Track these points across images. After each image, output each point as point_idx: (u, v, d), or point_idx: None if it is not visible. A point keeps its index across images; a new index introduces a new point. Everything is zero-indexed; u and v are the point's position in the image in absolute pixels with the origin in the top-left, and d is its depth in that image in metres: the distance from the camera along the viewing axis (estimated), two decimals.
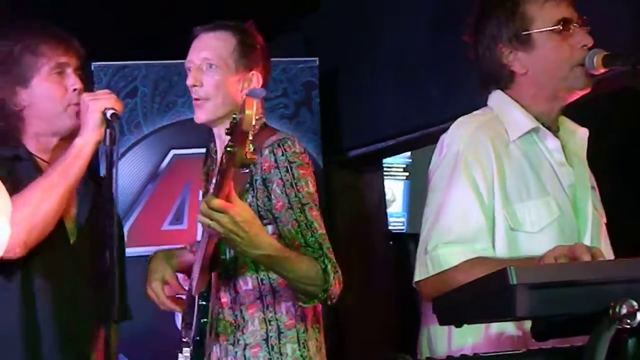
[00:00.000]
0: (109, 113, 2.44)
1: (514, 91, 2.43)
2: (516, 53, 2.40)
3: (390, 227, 5.70)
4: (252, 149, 2.15)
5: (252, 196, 2.58)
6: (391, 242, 5.37)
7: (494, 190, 2.30)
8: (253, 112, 2.12)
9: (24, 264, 2.47)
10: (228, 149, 2.16)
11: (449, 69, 4.10)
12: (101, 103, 2.47)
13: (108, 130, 2.41)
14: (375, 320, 5.06)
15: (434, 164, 2.44)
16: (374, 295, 5.10)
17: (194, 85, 2.64)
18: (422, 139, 4.67)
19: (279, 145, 2.58)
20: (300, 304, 2.53)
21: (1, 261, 2.39)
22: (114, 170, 2.29)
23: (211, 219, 2.30)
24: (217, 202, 2.29)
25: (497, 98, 2.46)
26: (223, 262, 2.60)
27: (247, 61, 2.67)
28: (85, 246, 2.62)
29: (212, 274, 2.59)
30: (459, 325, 1.84)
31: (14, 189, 2.42)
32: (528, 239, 2.29)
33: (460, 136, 2.38)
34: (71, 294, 2.58)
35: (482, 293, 1.68)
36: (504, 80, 2.44)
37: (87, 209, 2.68)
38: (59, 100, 2.59)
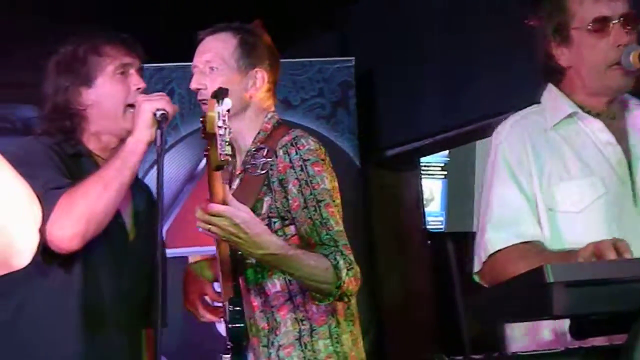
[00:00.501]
0: (159, 114, 2.50)
1: (564, 84, 2.45)
2: (560, 47, 2.38)
3: (428, 227, 5.67)
4: (226, 150, 2.19)
5: (271, 198, 2.57)
6: (429, 242, 5.34)
7: (532, 176, 2.34)
8: (214, 114, 2.18)
9: (84, 257, 2.52)
10: (205, 152, 2.19)
11: (486, 68, 4.08)
12: (153, 104, 2.53)
13: (158, 131, 2.47)
14: (414, 320, 5.04)
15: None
16: (413, 295, 5.08)
17: (198, 89, 2.64)
18: (459, 138, 4.65)
19: (292, 145, 2.58)
20: (315, 302, 2.53)
21: (61, 254, 2.46)
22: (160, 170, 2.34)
23: (210, 224, 2.31)
24: (213, 207, 2.31)
25: (546, 92, 2.48)
26: (249, 266, 2.60)
27: (250, 60, 2.66)
28: (143, 244, 2.68)
29: (240, 279, 2.60)
30: (496, 325, 1.84)
31: (72, 181, 2.50)
32: (569, 219, 2.32)
33: (499, 133, 2.46)
34: (129, 289, 2.64)
35: (519, 292, 1.68)
36: (555, 73, 2.44)
37: (144, 207, 2.74)
38: (121, 99, 2.65)
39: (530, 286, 1.62)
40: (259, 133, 2.67)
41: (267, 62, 2.70)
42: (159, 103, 2.52)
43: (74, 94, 2.64)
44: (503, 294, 1.76)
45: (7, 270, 1.45)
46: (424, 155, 5.51)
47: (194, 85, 2.66)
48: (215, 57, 2.64)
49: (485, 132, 4.68)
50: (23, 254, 1.43)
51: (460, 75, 4.36)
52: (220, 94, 2.28)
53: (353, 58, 4.78)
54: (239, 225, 2.33)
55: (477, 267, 2.40)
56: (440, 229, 6.42)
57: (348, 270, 2.46)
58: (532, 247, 2.30)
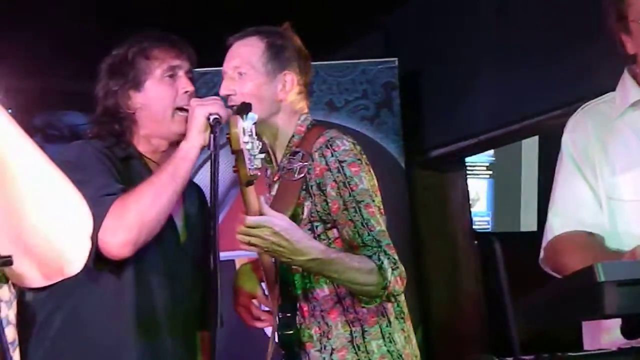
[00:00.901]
0: (212, 118, 2.48)
1: (636, 71, 2.41)
2: (624, 35, 2.36)
3: (474, 227, 5.64)
4: (255, 165, 2.22)
5: (311, 202, 2.55)
6: (476, 242, 5.31)
7: (595, 166, 2.34)
8: (238, 130, 2.17)
9: (136, 262, 2.52)
10: (234, 169, 2.19)
11: (531, 67, 4.05)
12: (207, 108, 2.51)
13: (211, 135, 2.44)
14: (461, 320, 5.02)
15: None
16: (461, 295, 5.06)
17: (228, 95, 2.62)
18: (505, 137, 4.62)
19: (327, 147, 2.55)
20: (363, 305, 2.51)
21: (113, 260, 2.47)
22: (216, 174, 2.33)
23: (250, 236, 2.31)
24: (251, 219, 2.31)
25: (621, 78, 2.45)
26: (295, 271, 2.60)
27: (278, 63, 2.64)
28: (194, 247, 2.68)
29: (287, 285, 2.60)
30: (546, 326, 1.82)
31: (126, 187, 2.51)
32: (630, 208, 2.30)
33: (567, 124, 2.47)
34: (181, 293, 2.64)
35: (569, 291, 1.66)
36: (628, 60, 2.40)
37: (195, 211, 2.74)
38: (169, 102, 2.64)
39: (580, 286, 1.60)
40: (293, 136, 2.65)
41: (297, 65, 2.67)
42: (212, 107, 2.51)
43: (123, 97, 2.65)
44: (553, 294, 1.74)
45: (60, 278, 1.46)
46: (469, 155, 5.48)
47: (223, 91, 2.64)
48: (243, 63, 2.63)
49: (531, 130, 4.68)
50: (75, 262, 1.44)
51: (504, 75, 4.33)
52: (243, 109, 2.29)
53: (396, 59, 4.76)
54: (279, 233, 2.32)
55: (541, 254, 2.42)
56: (487, 229, 6.40)
57: (393, 270, 2.45)
58: (591, 240, 2.30)
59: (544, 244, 2.41)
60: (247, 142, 2.23)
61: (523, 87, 4.16)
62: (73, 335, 2.55)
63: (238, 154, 2.23)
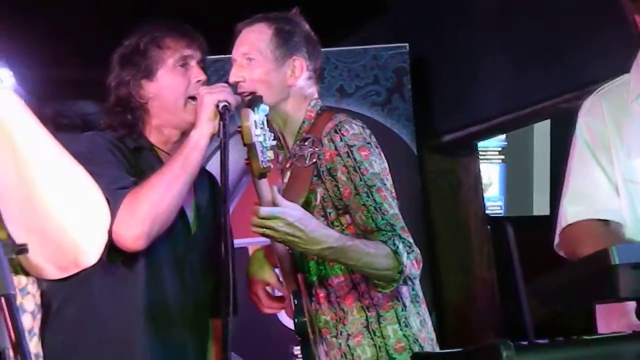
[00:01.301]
0: (221, 106, 2.47)
1: None
2: (636, 15, 2.33)
3: (487, 211, 5.63)
4: (268, 157, 2.22)
5: (323, 188, 2.55)
6: (489, 227, 5.31)
7: (610, 150, 2.31)
8: (250, 123, 2.16)
9: (147, 253, 2.52)
10: (246, 161, 2.19)
11: (543, 50, 4.03)
12: (215, 96, 2.49)
13: (221, 123, 2.44)
14: (475, 306, 5.01)
15: None
16: (473, 280, 5.06)
17: (237, 81, 2.60)
18: (517, 121, 4.60)
19: (336, 132, 2.54)
20: (379, 289, 2.50)
21: (125, 252, 2.47)
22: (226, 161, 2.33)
23: (264, 227, 2.31)
24: (264, 210, 2.30)
25: (635, 60, 2.42)
26: (310, 258, 2.59)
27: (286, 48, 2.63)
28: (205, 236, 2.68)
29: (302, 271, 2.60)
30: (561, 310, 1.82)
31: (138, 179, 2.51)
32: None
33: (581, 108, 2.44)
34: (192, 283, 2.64)
35: (584, 274, 1.65)
36: None
37: (207, 199, 2.74)
38: (182, 92, 2.63)
39: (595, 269, 1.60)
40: (303, 122, 2.64)
41: (305, 50, 2.66)
42: (221, 95, 2.49)
43: (135, 86, 2.64)
44: (568, 277, 1.73)
45: (75, 270, 1.46)
46: (481, 140, 5.47)
47: (232, 78, 2.62)
48: (251, 49, 2.62)
49: (542, 114, 4.66)
50: (90, 253, 1.44)
51: (515, 58, 4.32)
52: (254, 102, 2.29)
53: (407, 44, 4.74)
54: (292, 224, 2.32)
55: (556, 239, 2.40)
56: (499, 213, 6.39)
57: (409, 253, 2.44)
58: (606, 229, 2.28)
59: (558, 230, 2.38)
60: (258, 135, 2.22)
61: (534, 71, 4.15)
62: (86, 325, 2.56)
63: (250, 147, 2.23)
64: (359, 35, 5.18)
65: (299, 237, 2.34)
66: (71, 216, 1.39)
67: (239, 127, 2.23)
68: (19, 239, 1.37)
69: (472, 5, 4.64)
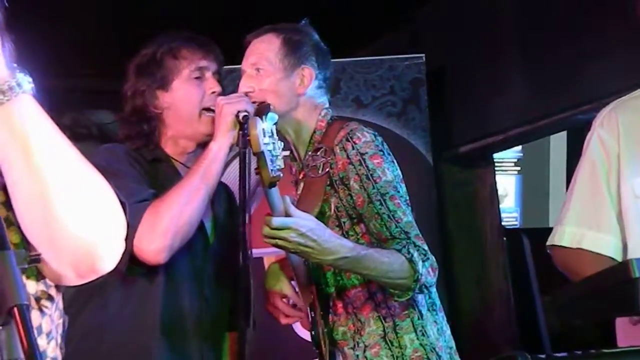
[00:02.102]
0: (241, 115, 2.45)
1: None
2: None
3: (503, 223, 5.62)
4: (277, 165, 2.21)
5: (337, 198, 2.54)
6: (505, 238, 5.29)
7: (620, 165, 2.30)
8: (258, 132, 2.15)
9: (167, 264, 2.51)
10: (255, 171, 2.18)
11: (560, 62, 4.02)
12: (235, 106, 2.49)
13: (240, 133, 2.43)
14: (490, 317, 4.99)
15: None
16: (489, 292, 5.04)
17: (247, 92, 2.60)
18: (533, 132, 4.59)
19: (347, 140, 2.53)
20: (395, 298, 2.49)
21: (144, 265, 2.46)
22: (246, 171, 2.33)
23: (276, 238, 2.29)
24: (276, 220, 2.29)
25: None
26: (326, 269, 2.58)
27: (295, 57, 2.62)
28: (223, 247, 2.68)
29: (319, 282, 2.59)
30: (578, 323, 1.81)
31: (157, 191, 2.51)
32: None
33: (596, 120, 2.43)
34: (210, 294, 2.64)
35: (603, 287, 1.64)
36: None
37: (224, 210, 2.73)
38: (196, 103, 2.64)
39: (615, 282, 1.59)
40: (315, 132, 2.64)
41: (315, 59, 2.66)
42: (240, 105, 2.49)
43: (151, 97, 2.65)
44: (586, 290, 1.72)
45: (93, 276, 1.46)
46: (497, 151, 5.46)
47: (242, 89, 2.62)
48: (260, 59, 2.62)
49: (559, 126, 4.64)
50: (107, 258, 1.44)
51: (532, 69, 4.31)
52: (262, 110, 2.28)
53: (423, 55, 4.73)
54: (305, 234, 2.30)
55: (549, 250, 2.44)
56: (515, 225, 6.37)
57: (424, 261, 2.42)
58: (599, 263, 2.24)
59: (554, 240, 2.40)
60: (267, 144, 2.22)
61: (551, 83, 4.13)
62: (102, 334, 2.56)
63: (259, 156, 2.22)
64: (376, 45, 5.19)
65: (312, 248, 2.33)
66: (85, 219, 1.38)
67: (247, 136, 2.23)
68: (36, 245, 1.37)
69: (489, 17, 4.64)
